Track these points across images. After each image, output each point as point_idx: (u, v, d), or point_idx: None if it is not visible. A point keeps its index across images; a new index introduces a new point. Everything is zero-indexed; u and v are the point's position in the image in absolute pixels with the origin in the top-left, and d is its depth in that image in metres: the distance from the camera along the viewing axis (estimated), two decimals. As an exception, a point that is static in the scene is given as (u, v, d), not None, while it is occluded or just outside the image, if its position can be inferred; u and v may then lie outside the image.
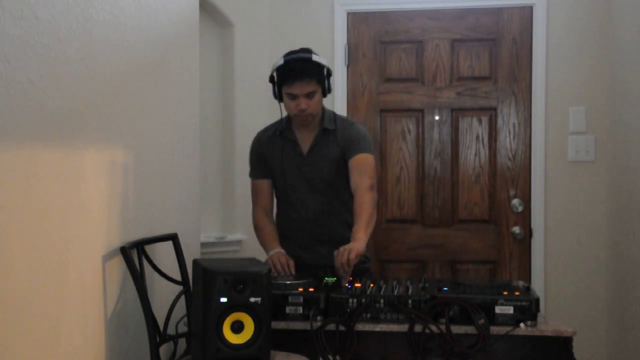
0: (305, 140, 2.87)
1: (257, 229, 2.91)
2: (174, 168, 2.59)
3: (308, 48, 2.83)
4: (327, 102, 3.11)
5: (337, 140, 2.83)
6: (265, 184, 2.93)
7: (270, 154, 2.89)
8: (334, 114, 2.93)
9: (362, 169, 2.78)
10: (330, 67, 2.86)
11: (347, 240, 2.61)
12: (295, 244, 2.88)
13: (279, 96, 2.79)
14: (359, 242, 2.58)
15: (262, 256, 2.78)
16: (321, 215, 2.86)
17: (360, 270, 2.72)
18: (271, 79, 2.80)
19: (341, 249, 2.54)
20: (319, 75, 2.74)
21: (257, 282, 1.99)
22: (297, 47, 2.83)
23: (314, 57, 2.74)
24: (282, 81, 2.74)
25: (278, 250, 2.78)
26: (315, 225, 2.86)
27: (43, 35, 1.67)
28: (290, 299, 2.31)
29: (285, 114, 2.85)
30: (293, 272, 2.67)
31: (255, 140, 2.98)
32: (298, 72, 2.70)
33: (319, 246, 2.84)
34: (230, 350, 1.97)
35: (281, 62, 2.74)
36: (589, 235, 3.71)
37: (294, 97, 2.73)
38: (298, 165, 2.85)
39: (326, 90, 2.79)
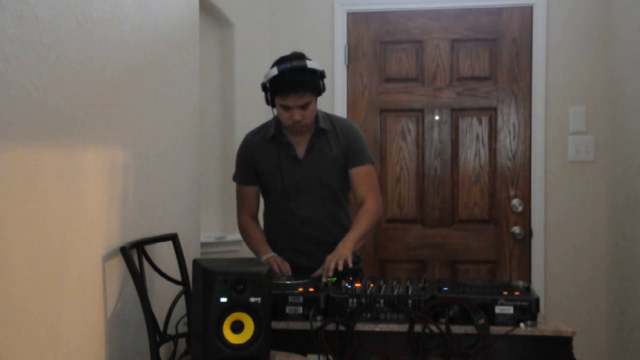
0: (300, 142, 2.80)
1: (245, 234, 2.90)
2: (174, 168, 2.59)
3: (301, 53, 2.72)
4: (327, 103, 3.11)
5: (338, 140, 2.79)
6: (251, 190, 2.89)
7: (262, 158, 2.82)
8: (325, 113, 2.86)
9: (369, 182, 2.83)
10: (328, 68, 2.79)
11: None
12: (290, 248, 2.82)
13: (271, 104, 2.71)
14: (346, 251, 2.61)
15: (262, 256, 2.78)
16: (318, 217, 2.81)
17: (353, 271, 2.65)
18: (264, 87, 2.69)
19: (330, 256, 2.59)
20: (314, 84, 2.64)
21: (257, 282, 1.99)
22: (297, 48, 2.80)
23: (309, 64, 2.63)
24: (275, 92, 2.64)
25: (272, 254, 2.75)
26: (312, 228, 2.81)
27: (43, 35, 1.67)
28: (290, 299, 2.30)
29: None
30: (290, 273, 2.66)
31: (244, 144, 2.89)
32: (293, 84, 2.60)
33: (316, 249, 2.78)
34: (230, 350, 1.97)
35: (275, 72, 2.63)
36: (589, 235, 3.71)
37: (287, 108, 2.65)
38: (294, 168, 2.79)
39: (320, 94, 2.71)
